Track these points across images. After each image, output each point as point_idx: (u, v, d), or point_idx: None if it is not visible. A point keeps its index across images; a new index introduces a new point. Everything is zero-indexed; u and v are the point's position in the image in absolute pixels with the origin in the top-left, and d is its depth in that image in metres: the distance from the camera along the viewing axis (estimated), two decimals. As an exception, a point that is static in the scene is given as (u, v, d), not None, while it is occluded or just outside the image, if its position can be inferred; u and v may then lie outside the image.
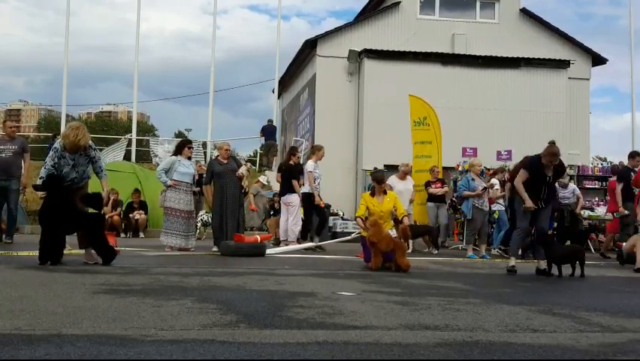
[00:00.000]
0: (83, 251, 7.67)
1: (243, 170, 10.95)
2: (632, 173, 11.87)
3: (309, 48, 22.70)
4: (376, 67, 21.17)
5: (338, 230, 16.38)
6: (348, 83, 21.78)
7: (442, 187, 13.65)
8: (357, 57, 21.43)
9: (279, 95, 28.22)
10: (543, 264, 8.33)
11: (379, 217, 8.55)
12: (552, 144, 8.26)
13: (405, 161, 13.07)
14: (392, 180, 12.38)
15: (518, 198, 8.34)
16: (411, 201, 12.59)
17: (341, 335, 3.65)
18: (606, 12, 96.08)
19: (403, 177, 12.43)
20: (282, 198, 12.63)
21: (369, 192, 9.18)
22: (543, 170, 8.20)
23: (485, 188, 11.56)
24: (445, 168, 15.04)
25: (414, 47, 21.34)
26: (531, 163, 8.32)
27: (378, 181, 9.00)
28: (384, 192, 8.95)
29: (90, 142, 7.67)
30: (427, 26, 22.17)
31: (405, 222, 8.70)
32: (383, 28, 22.10)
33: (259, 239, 10.26)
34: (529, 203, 8.05)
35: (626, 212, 11.41)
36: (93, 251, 7.51)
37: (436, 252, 12.02)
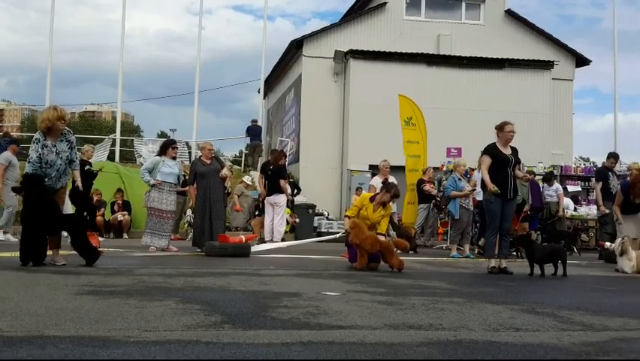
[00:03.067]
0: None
1: (225, 171, 10.93)
2: (610, 173, 12.04)
3: (295, 48, 22.70)
4: (362, 67, 21.21)
5: (323, 230, 16.39)
6: (334, 84, 21.80)
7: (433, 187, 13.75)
8: (343, 57, 21.46)
9: (265, 95, 28.19)
10: (493, 262, 8.38)
11: (364, 223, 8.48)
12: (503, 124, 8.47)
13: (384, 158, 13.01)
14: (375, 180, 12.40)
15: (488, 198, 8.41)
16: (393, 201, 12.60)
17: (326, 334, 3.65)
18: (588, 14, 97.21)
19: (384, 176, 12.44)
20: (268, 198, 12.62)
21: (371, 195, 9.09)
22: (502, 151, 8.36)
23: (474, 189, 11.62)
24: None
25: (400, 48, 21.40)
26: (488, 147, 8.50)
27: (395, 196, 8.86)
28: (384, 205, 8.84)
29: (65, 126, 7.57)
30: (413, 27, 22.25)
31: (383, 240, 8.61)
32: (369, 29, 22.14)
33: (244, 239, 10.23)
34: (490, 186, 8.12)
35: (607, 211, 11.55)
36: (70, 252, 7.44)
37: (412, 252, 12.01)
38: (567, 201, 14.82)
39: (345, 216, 9.17)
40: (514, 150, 8.54)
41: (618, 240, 9.36)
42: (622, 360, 3.36)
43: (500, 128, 8.52)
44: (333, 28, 22.58)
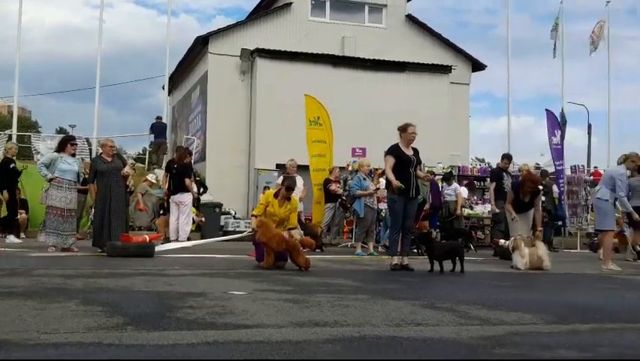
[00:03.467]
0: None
1: (127, 169, 10.61)
2: (504, 173, 12.66)
3: (200, 45, 22.35)
4: (269, 66, 21.19)
5: (229, 229, 16.25)
6: (240, 82, 21.65)
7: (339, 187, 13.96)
8: (250, 56, 21.36)
9: (169, 92, 27.55)
10: (396, 259, 8.67)
11: (273, 221, 8.53)
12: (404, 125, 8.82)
13: (292, 157, 13.08)
14: (282, 179, 12.41)
15: (391, 197, 8.68)
16: (300, 199, 12.69)
17: (232, 334, 3.64)
18: (483, 20, 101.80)
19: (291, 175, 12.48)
20: (173, 196, 12.36)
21: (275, 191, 9.11)
22: (404, 151, 8.67)
23: (378, 188, 11.89)
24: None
25: (306, 48, 21.55)
26: (391, 147, 8.78)
27: (288, 189, 8.93)
28: (289, 198, 8.90)
29: None
30: (318, 28, 22.47)
31: (294, 234, 8.70)
32: (275, 28, 22.16)
33: (147, 239, 9.98)
34: (395, 182, 8.39)
35: (497, 210, 12.14)
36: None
37: (319, 250, 12.16)
38: (462, 190, 15.34)
39: (252, 215, 9.14)
40: (416, 151, 8.84)
41: (512, 238, 9.86)
42: (516, 353, 3.55)
43: (403, 129, 8.79)
44: (240, 26, 22.42)
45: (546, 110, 17.80)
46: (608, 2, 24.49)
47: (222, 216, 16.79)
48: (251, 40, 21.59)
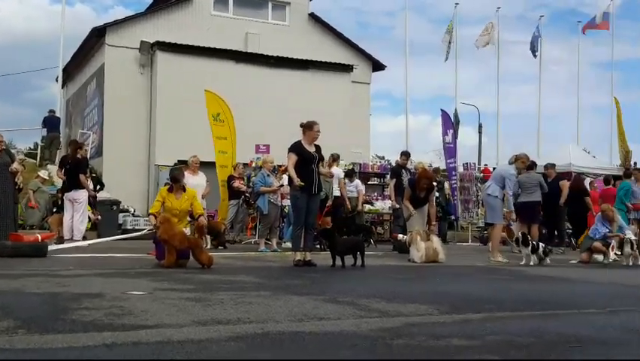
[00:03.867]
0: None
1: (16, 165, 10.07)
2: (403, 170, 13.08)
3: (96, 36, 21.50)
4: (170, 60, 20.72)
5: (128, 227, 15.78)
6: (140, 75, 21.03)
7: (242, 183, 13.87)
8: (150, 49, 20.79)
9: (64, 84, 26.32)
10: (299, 255, 8.79)
11: (174, 215, 8.40)
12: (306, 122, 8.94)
13: (194, 153, 12.88)
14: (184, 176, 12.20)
15: (294, 194, 8.78)
16: (203, 196, 12.52)
17: (131, 335, 3.56)
18: (382, 22, 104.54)
19: (194, 172, 12.31)
20: (67, 193, 11.85)
21: (167, 187, 8.96)
22: (306, 148, 8.79)
23: (282, 185, 11.92)
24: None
25: (208, 43, 21.24)
26: (294, 144, 8.89)
27: (173, 180, 8.83)
28: (184, 190, 8.79)
29: None
30: (221, 23, 22.21)
31: (201, 221, 8.65)
32: (177, 21, 21.69)
33: (40, 238, 9.53)
34: (296, 180, 8.51)
35: (397, 205, 12.53)
36: None
37: (222, 248, 12.07)
38: (357, 182, 15.62)
39: (150, 213, 8.95)
40: (318, 148, 8.96)
41: (408, 232, 10.22)
42: (413, 343, 3.69)
43: (308, 127, 8.89)
44: (139, 17, 21.77)
45: (441, 110, 18.54)
46: (499, 8, 25.80)
47: (120, 214, 16.28)
48: (151, 33, 21.01)
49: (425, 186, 10.46)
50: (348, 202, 13.58)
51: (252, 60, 21.74)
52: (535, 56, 25.92)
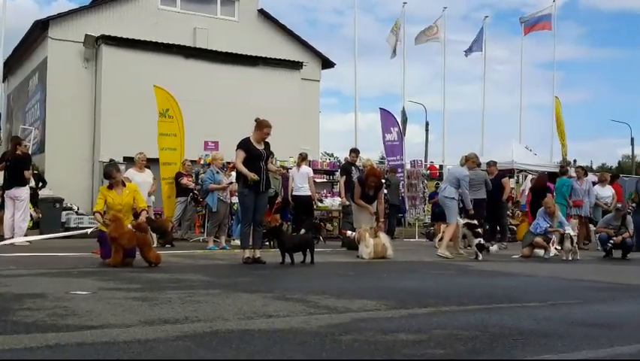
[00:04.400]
0: None
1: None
2: (352, 167, 13.19)
3: (39, 29, 20.85)
4: (116, 55, 20.26)
5: (72, 225, 15.40)
6: (84, 70, 20.51)
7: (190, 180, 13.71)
8: (95, 43, 20.29)
9: (4, 78, 25.42)
10: (247, 252, 8.79)
11: (118, 211, 8.26)
12: (259, 118, 8.90)
13: (140, 150, 12.66)
14: (130, 172, 12.02)
15: (242, 191, 8.76)
16: (150, 194, 12.33)
17: (75, 336, 3.49)
18: (332, 20, 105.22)
19: (141, 169, 12.11)
20: (8, 191, 11.47)
21: (108, 185, 8.78)
22: (255, 145, 8.76)
23: (231, 182, 11.83)
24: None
25: (156, 38, 20.88)
26: (243, 141, 8.85)
27: (106, 176, 8.66)
28: (124, 184, 8.64)
29: None
30: (169, 17, 21.86)
31: (142, 216, 8.51)
32: (123, 15, 21.23)
33: (-22, 238, 9.19)
34: (250, 174, 8.50)
35: (347, 202, 12.62)
36: None
37: (169, 246, 11.90)
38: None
39: (94, 212, 8.75)
40: (267, 145, 8.94)
41: (357, 229, 10.31)
42: (361, 338, 3.73)
43: (259, 126, 8.83)
44: (84, 11, 21.20)
45: (380, 108, 18.76)
46: (445, 8, 26.20)
47: (64, 212, 15.86)
48: (96, 27, 20.49)
49: (373, 184, 10.57)
50: (315, 197, 13.75)
51: (201, 56, 21.49)
52: (466, 55, 26.41)
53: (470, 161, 11.63)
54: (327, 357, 3.25)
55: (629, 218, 12.27)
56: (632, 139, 47.10)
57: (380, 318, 4.45)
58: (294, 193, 13.46)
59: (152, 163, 12.95)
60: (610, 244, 11.78)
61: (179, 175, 13.84)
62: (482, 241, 11.00)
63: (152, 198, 12.53)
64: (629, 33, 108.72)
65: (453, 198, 11.01)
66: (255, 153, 8.70)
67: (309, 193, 13.25)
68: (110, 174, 8.60)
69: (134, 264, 7.99)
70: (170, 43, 20.96)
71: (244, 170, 8.55)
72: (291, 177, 13.72)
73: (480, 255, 10.66)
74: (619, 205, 12.72)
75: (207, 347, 3.37)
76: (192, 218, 14.79)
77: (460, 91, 78.11)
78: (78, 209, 17.31)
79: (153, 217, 12.24)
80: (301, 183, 13.32)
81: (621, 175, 22.55)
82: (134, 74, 19.36)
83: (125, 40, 20.35)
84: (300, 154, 13.57)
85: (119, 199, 8.40)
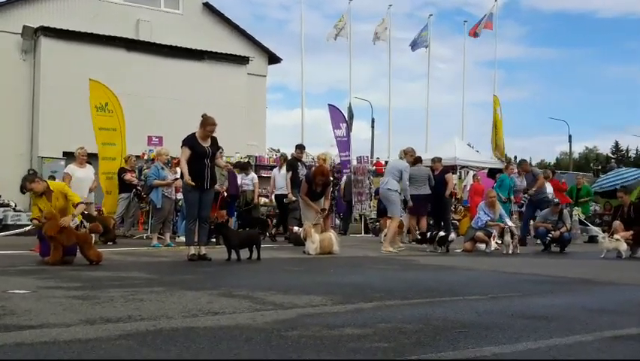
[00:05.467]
0: None
1: None
2: (298, 163, 13.19)
3: (-26, 20, 20.05)
4: (55, 47, 19.66)
5: (9, 222, 14.89)
6: (22, 62, 19.86)
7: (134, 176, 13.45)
8: (33, 34, 19.64)
9: None
10: (193, 249, 8.70)
11: (51, 216, 7.90)
12: (206, 115, 8.79)
13: (81, 145, 12.33)
14: (71, 168, 11.71)
15: (186, 187, 8.66)
16: (91, 190, 12.04)
17: (13, 336, 3.38)
18: (278, 16, 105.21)
19: (82, 164, 11.80)
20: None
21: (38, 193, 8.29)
22: (200, 143, 8.65)
23: (176, 178, 11.65)
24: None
25: (97, 30, 20.35)
26: (187, 138, 8.73)
27: (21, 190, 8.36)
28: (49, 190, 8.12)
29: None
30: (111, 9, 21.34)
31: (79, 209, 8.25)
32: (63, 6, 20.61)
33: None
34: (187, 177, 8.42)
35: (293, 198, 12.64)
36: None
37: (111, 243, 11.65)
38: (252, 175, 15.62)
39: (32, 219, 8.43)
40: (214, 140, 8.84)
41: (304, 225, 10.34)
42: (307, 334, 3.75)
43: (203, 123, 8.71)
44: (22, 1, 20.48)
45: (329, 105, 18.83)
46: (390, 6, 26.49)
47: (0, 209, 15.33)
48: (34, 18, 19.83)
49: (321, 182, 10.63)
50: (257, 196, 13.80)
51: (144, 49, 21.07)
52: (413, 49, 26.76)
53: (408, 155, 11.90)
54: (272, 353, 3.24)
55: (566, 213, 12.72)
56: (570, 136, 48.98)
57: (326, 313, 4.48)
58: (276, 193, 13.99)
59: (93, 158, 12.65)
60: (548, 238, 12.18)
61: (122, 171, 13.55)
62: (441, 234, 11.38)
63: (93, 194, 12.23)
64: (568, 33, 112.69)
65: (396, 190, 11.17)
66: (199, 151, 8.59)
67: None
68: (24, 187, 8.17)
69: (75, 262, 7.79)
70: (112, 35, 20.48)
71: (185, 171, 8.45)
72: (273, 177, 14.43)
73: (441, 248, 11.14)
74: (555, 200, 13.14)
75: (151, 346, 3.32)
76: (135, 214, 14.51)
77: (405, 88, 79.38)
78: (15, 206, 16.74)
79: (94, 214, 11.95)
80: (282, 183, 13.60)
81: (558, 171, 23.32)
82: (74, 67, 18.82)
83: (64, 31, 19.78)
84: (282, 155, 13.69)
85: (49, 206, 8.00)
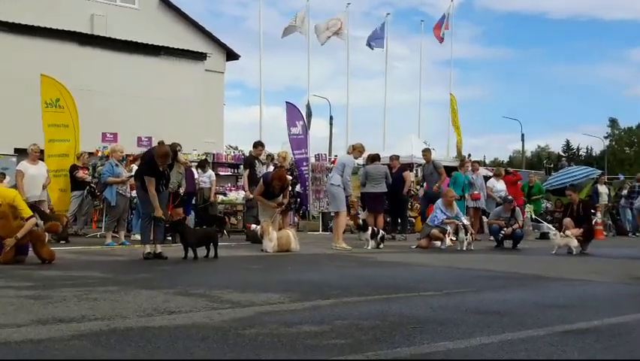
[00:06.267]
0: None
1: None
2: (256, 161, 13.13)
3: None
4: (6, 40, 19.15)
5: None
6: (-31, 55, 19.25)
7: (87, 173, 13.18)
8: (-19, 27, 19.07)
9: None
10: (148, 247, 8.62)
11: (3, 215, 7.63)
12: (161, 144, 8.66)
13: (34, 141, 12.05)
14: (23, 164, 11.43)
15: (139, 186, 8.58)
16: (44, 187, 11.77)
17: (-39, 339, 3.28)
18: (235, 12, 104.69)
19: (34, 161, 11.52)
20: None
21: None
22: (159, 168, 8.53)
23: (131, 176, 11.46)
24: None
25: (49, 24, 19.87)
26: (148, 166, 8.55)
27: None
28: None
29: None
30: (65, 3, 20.87)
31: (28, 224, 7.93)
32: (16, 0, 20.06)
33: None
34: (159, 210, 8.44)
35: (251, 196, 12.59)
36: None
37: (64, 242, 11.40)
38: (210, 173, 15.47)
39: None
40: (174, 151, 8.67)
41: (261, 223, 10.30)
42: (264, 332, 3.75)
43: (156, 155, 8.50)
44: (-31, -7, 19.87)
45: (286, 102, 18.77)
46: (349, 4, 26.58)
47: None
48: (-17, 10, 19.27)
49: (278, 187, 10.63)
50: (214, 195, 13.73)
51: (98, 44, 20.69)
52: (372, 48, 26.90)
53: (356, 150, 12.00)
54: (229, 352, 3.23)
55: (518, 210, 13.01)
56: (523, 135, 49.97)
57: (284, 311, 4.48)
58: None
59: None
60: (501, 235, 12.44)
61: (74, 168, 13.26)
62: (383, 233, 11.42)
63: (46, 191, 11.96)
64: (521, 34, 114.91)
65: (339, 185, 11.25)
66: (158, 176, 8.50)
67: None
68: None
69: (27, 261, 7.60)
70: (65, 29, 20.03)
71: (156, 205, 8.43)
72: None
73: (382, 244, 11.26)
74: (509, 198, 13.42)
75: (105, 346, 3.27)
76: (89, 212, 14.23)
77: (362, 86, 79.74)
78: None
79: (47, 211, 11.66)
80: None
81: (512, 170, 23.80)
82: (26, 61, 18.37)
83: (16, 25, 19.29)
84: (269, 155, 13.61)
85: None
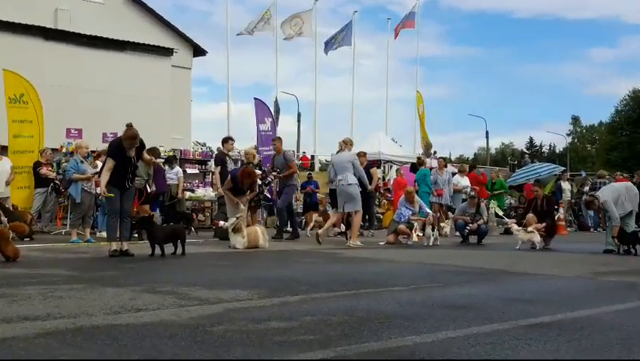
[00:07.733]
0: None
1: None
2: (227, 157, 13.08)
3: None
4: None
5: None
6: None
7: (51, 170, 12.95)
8: (-60, 20, 18.56)
9: None
10: (114, 245, 8.51)
11: None
12: (129, 126, 8.46)
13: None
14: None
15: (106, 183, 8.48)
16: (8, 183, 11.55)
17: None
18: (201, 7, 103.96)
19: (-2, 157, 11.31)
20: None
21: None
22: (126, 152, 8.43)
23: (97, 172, 11.30)
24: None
25: (12, 18, 19.44)
26: (113, 147, 8.48)
27: None
28: None
29: None
30: (28, -4, 20.46)
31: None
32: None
33: None
34: (104, 189, 8.32)
35: (222, 193, 12.54)
36: None
37: (28, 239, 11.19)
38: (177, 169, 15.26)
39: None
40: (140, 142, 8.54)
41: (232, 219, 10.26)
42: (233, 328, 3.75)
43: (124, 137, 8.39)
44: None
45: (255, 98, 18.76)
46: (316, 1, 26.60)
47: None
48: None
49: (247, 184, 10.62)
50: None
51: (63, 38, 20.31)
52: (335, 48, 26.98)
53: (349, 145, 12.09)
54: (198, 349, 3.23)
55: (483, 206, 13.20)
56: (487, 132, 50.61)
57: (252, 307, 4.48)
58: None
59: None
60: (466, 231, 12.62)
61: (37, 164, 13.02)
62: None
63: (9, 188, 11.74)
64: (486, 32, 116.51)
65: (356, 184, 11.36)
66: (123, 161, 8.38)
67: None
68: None
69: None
70: (28, 23, 19.62)
71: (104, 182, 8.29)
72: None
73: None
74: (472, 193, 13.60)
75: (71, 344, 3.23)
76: (53, 209, 13.99)
77: (330, 83, 79.93)
78: None
79: (11, 208, 11.46)
80: None
81: (478, 166, 24.16)
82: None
83: (-24, 18, 18.80)
84: (253, 153, 13.51)
85: None
